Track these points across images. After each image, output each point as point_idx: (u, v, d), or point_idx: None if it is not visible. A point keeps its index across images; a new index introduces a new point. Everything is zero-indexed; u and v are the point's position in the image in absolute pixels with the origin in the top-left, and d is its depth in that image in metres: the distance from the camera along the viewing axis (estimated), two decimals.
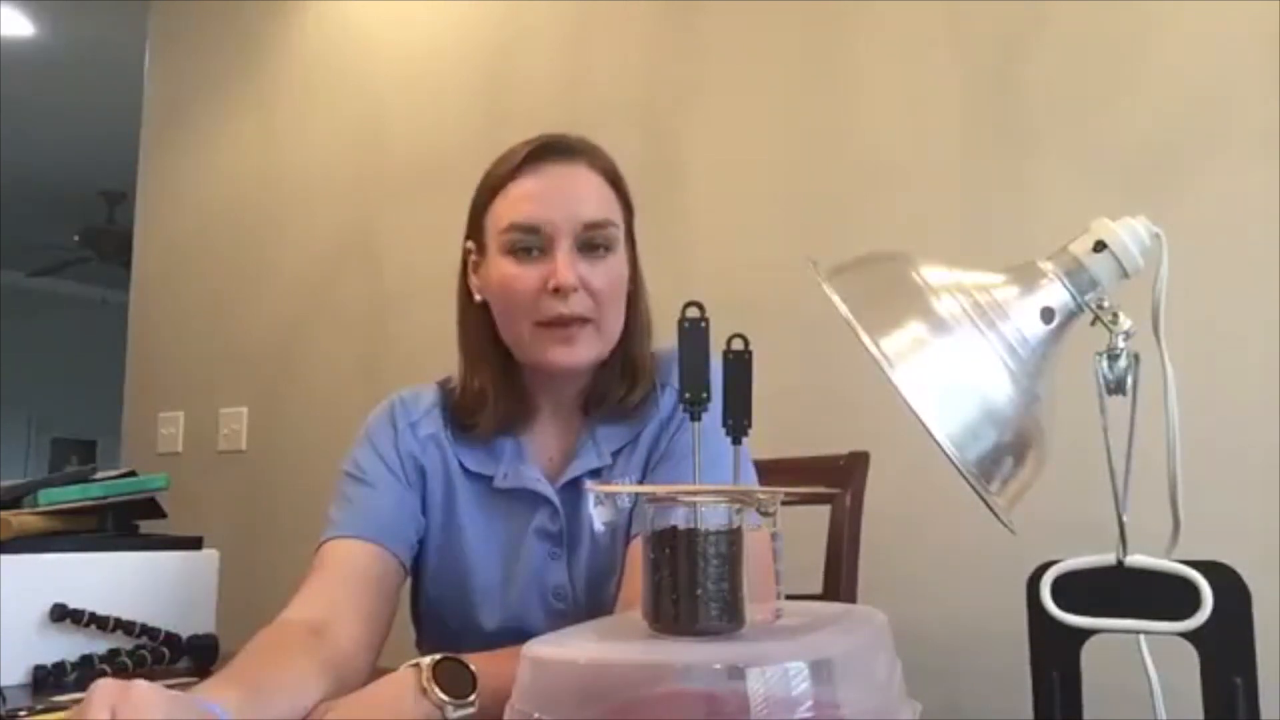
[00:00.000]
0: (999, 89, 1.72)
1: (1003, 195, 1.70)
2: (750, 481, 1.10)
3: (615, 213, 1.12)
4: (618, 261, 1.12)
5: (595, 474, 1.12)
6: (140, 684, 0.73)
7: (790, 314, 1.73)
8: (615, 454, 1.14)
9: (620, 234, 1.12)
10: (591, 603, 1.11)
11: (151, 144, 3.09)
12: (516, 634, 0.95)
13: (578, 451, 1.14)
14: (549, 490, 1.12)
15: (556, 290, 1.06)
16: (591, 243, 1.09)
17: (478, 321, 1.15)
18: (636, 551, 1.02)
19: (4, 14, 4.07)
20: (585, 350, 1.10)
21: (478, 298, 1.15)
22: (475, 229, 1.15)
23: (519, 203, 1.09)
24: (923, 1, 1.81)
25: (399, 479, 1.15)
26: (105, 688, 0.72)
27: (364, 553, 1.09)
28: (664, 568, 0.66)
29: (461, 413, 1.16)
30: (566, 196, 1.09)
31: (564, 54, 2.27)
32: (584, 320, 1.08)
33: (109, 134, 4.58)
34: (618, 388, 1.14)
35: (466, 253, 1.17)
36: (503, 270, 1.09)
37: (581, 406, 1.16)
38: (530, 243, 1.08)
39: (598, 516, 1.12)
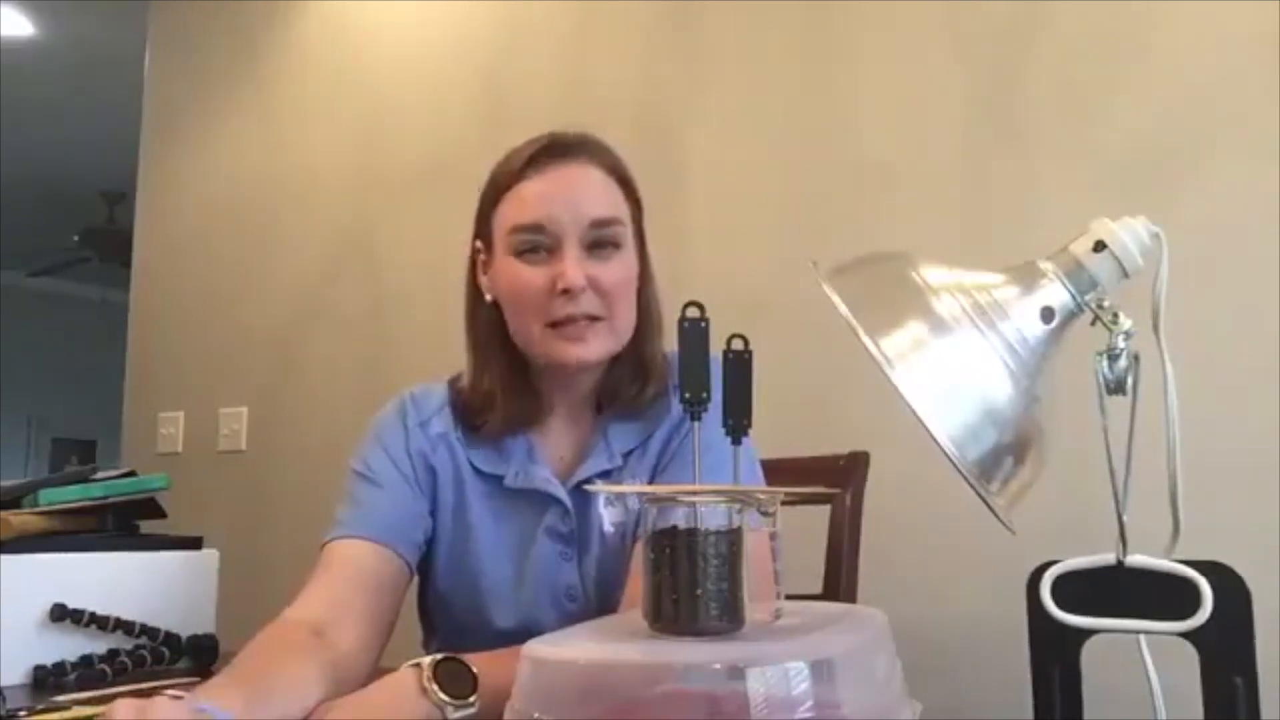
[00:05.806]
0: (999, 89, 1.72)
1: (1003, 195, 1.70)
2: (756, 481, 1.10)
3: (622, 209, 1.12)
4: (626, 258, 1.11)
5: (606, 475, 1.12)
6: (161, 700, 0.73)
7: (790, 314, 1.73)
8: (626, 455, 1.13)
9: (628, 231, 1.12)
10: (603, 603, 1.10)
11: (151, 144, 3.09)
12: (528, 634, 0.95)
13: (589, 452, 1.14)
14: (560, 490, 1.12)
15: (565, 291, 1.06)
16: (599, 241, 1.09)
17: (488, 321, 1.15)
18: (640, 552, 1.01)
19: (4, 14, 4.06)
20: (597, 346, 1.09)
21: (488, 297, 1.14)
22: (483, 229, 1.15)
23: (524, 204, 1.09)
24: (923, 1, 1.81)
25: (408, 480, 1.14)
26: (125, 704, 0.72)
27: (369, 553, 1.09)
28: (664, 568, 0.66)
29: (470, 413, 1.16)
30: (571, 196, 1.08)
31: (564, 54, 2.27)
32: (594, 318, 1.08)
33: (109, 134, 4.58)
34: (630, 385, 1.13)
35: (475, 252, 1.17)
36: (511, 272, 1.09)
37: (594, 405, 1.16)
38: (537, 243, 1.08)
39: (608, 517, 1.12)
